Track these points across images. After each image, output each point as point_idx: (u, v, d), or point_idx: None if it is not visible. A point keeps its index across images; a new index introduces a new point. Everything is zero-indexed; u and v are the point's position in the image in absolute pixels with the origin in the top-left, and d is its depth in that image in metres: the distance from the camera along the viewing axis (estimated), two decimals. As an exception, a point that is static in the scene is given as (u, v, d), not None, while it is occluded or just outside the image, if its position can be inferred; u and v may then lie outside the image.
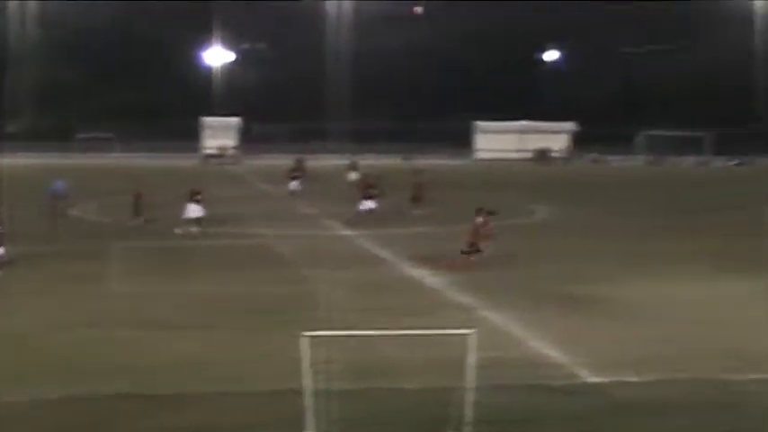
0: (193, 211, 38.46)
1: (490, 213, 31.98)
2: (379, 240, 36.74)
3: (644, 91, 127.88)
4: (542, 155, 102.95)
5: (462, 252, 30.65)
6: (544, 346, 20.48)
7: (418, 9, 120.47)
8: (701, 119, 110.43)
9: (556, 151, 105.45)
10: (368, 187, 43.99)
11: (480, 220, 31.17)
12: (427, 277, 29.00)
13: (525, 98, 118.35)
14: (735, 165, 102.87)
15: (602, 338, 21.17)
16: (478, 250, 30.54)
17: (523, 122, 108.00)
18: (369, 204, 42.53)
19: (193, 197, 38.92)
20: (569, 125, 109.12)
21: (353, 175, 57.23)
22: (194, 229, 37.84)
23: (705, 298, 26.20)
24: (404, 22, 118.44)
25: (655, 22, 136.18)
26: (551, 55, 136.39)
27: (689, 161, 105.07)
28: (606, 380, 17.89)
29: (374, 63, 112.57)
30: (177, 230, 37.98)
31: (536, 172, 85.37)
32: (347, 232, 39.53)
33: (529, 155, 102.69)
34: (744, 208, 49.15)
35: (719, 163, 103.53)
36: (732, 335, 21.49)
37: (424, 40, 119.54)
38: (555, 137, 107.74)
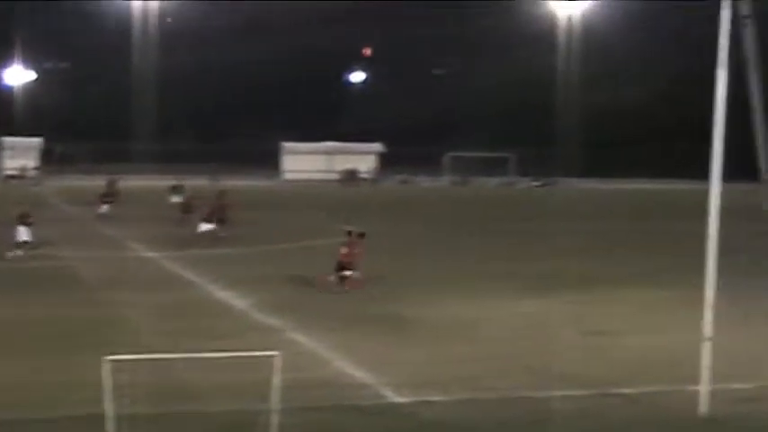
0: (23, 234, 37.46)
1: (360, 235, 32.00)
2: (184, 262, 36.27)
3: (451, 112, 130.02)
4: (350, 176, 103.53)
5: (338, 271, 30.71)
6: (351, 366, 20.49)
7: (367, 51, 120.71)
8: (507, 140, 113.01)
9: (363, 172, 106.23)
10: (212, 210, 43.54)
11: (351, 241, 31.34)
12: (234, 299, 28.77)
13: (333, 119, 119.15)
14: (537, 186, 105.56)
15: (409, 358, 21.30)
16: (349, 270, 30.63)
17: (331, 143, 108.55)
18: (207, 227, 42.36)
19: (23, 220, 37.91)
20: (376, 146, 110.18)
21: (176, 198, 56.49)
22: (20, 252, 36.78)
23: (510, 316, 26.73)
24: (211, 40, 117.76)
25: (461, 44, 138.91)
26: (358, 76, 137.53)
27: (494, 182, 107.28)
28: (412, 400, 17.98)
29: (181, 82, 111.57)
30: (9, 254, 36.87)
31: (344, 193, 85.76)
32: (153, 254, 38.92)
33: (337, 176, 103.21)
34: (543, 229, 50.51)
35: (523, 184, 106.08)
36: (537, 352, 21.93)
37: (232, 59, 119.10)
38: (362, 158, 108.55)
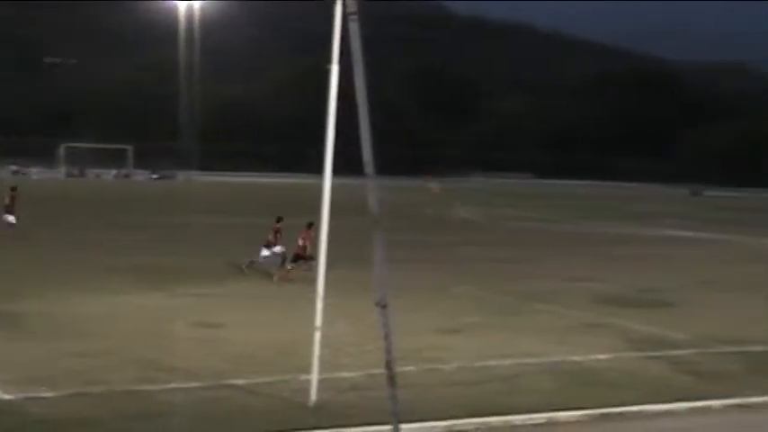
0: None
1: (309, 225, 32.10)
2: None
3: (68, 102, 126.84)
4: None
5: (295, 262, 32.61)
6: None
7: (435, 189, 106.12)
8: (125, 132, 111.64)
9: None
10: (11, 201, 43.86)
11: (308, 232, 32.05)
12: None
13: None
14: (155, 178, 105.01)
15: (19, 355, 20.59)
16: (312, 258, 30.83)
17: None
18: (10, 218, 43.08)
19: None
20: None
21: None
22: None
23: (123, 311, 26.45)
24: None
25: (78, 33, 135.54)
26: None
27: (110, 174, 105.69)
28: (20, 396, 17.40)
29: None
30: None
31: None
32: None
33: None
34: (159, 222, 50.28)
35: (141, 176, 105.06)
36: (149, 346, 21.78)
37: None
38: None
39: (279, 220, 34.28)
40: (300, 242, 32.93)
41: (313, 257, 32.22)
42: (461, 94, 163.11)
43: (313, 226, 32.85)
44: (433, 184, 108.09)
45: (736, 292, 35.15)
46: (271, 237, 33.86)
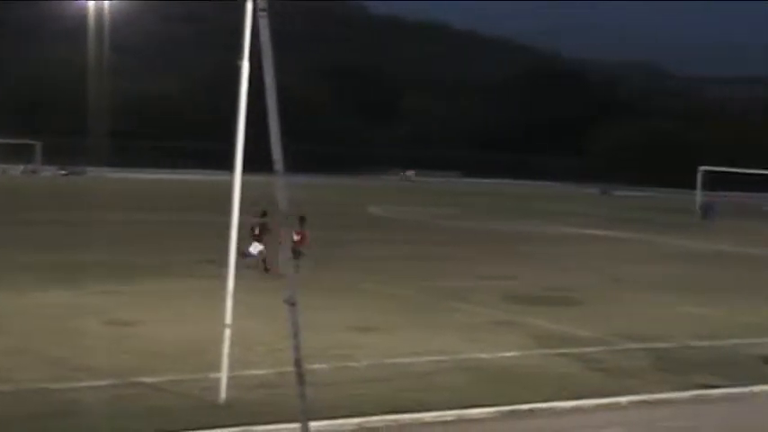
0: None
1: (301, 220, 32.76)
2: None
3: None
4: None
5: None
6: None
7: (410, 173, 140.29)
8: (31, 127, 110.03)
9: None
10: None
11: (301, 228, 32.16)
12: None
13: None
14: (63, 174, 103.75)
15: None
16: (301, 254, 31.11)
17: None
18: None
19: None
20: None
21: None
22: None
23: (33, 308, 26.07)
24: None
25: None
26: None
27: (17, 170, 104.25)
28: None
29: None
30: None
31: None
32: None
33: None
34: (69, 219, 49.67)
35: (49, 172, 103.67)
36: (59, 344, 21.49)
37: None
38: None
39: (263, 214, 33.42)
40: (296, 237, 32.72)
41: (302, 252, 32.46)
42: (381, 92, 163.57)
43: (305, 220, 33.07)
44: (409, 172, 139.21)
45: (644, 290, 35.71)
46: (257, 231, 33.50)
